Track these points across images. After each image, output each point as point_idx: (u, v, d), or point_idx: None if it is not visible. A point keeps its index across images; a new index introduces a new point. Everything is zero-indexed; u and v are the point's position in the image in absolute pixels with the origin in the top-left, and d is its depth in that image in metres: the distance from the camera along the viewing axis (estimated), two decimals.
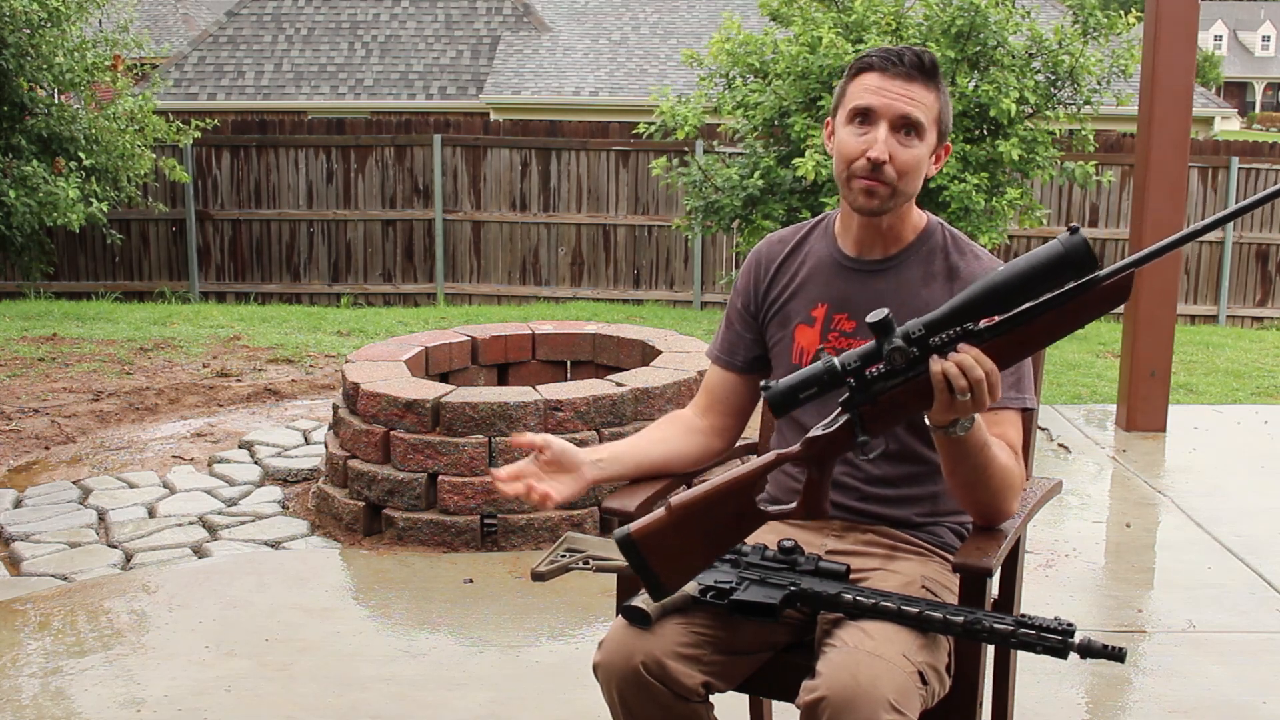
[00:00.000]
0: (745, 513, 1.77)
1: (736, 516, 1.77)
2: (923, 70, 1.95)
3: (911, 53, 1.96)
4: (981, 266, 2.02)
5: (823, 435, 1.76)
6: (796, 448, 1.79)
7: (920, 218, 2.08)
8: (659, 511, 1.77)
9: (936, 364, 1.67)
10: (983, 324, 1.69)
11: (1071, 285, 1.65)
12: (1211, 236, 12.50)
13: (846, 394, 1.73)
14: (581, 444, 4.06)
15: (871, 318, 1.67)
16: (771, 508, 1.81)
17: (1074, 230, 1.63)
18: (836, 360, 1.70)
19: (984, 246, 8.77)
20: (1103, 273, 1.65)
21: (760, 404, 1.92)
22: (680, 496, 1.77)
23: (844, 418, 1.74)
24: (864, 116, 1.96)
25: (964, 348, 1.67)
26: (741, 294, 2.20)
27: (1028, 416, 2.01)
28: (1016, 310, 1.67)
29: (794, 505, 1.81)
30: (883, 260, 2.06)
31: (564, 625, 3.41)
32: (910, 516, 2.07)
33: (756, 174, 8.43)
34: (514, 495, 1.94)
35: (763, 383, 1.77)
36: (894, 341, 1.67)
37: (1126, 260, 1.66)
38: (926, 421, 1.77)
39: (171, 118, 10.53)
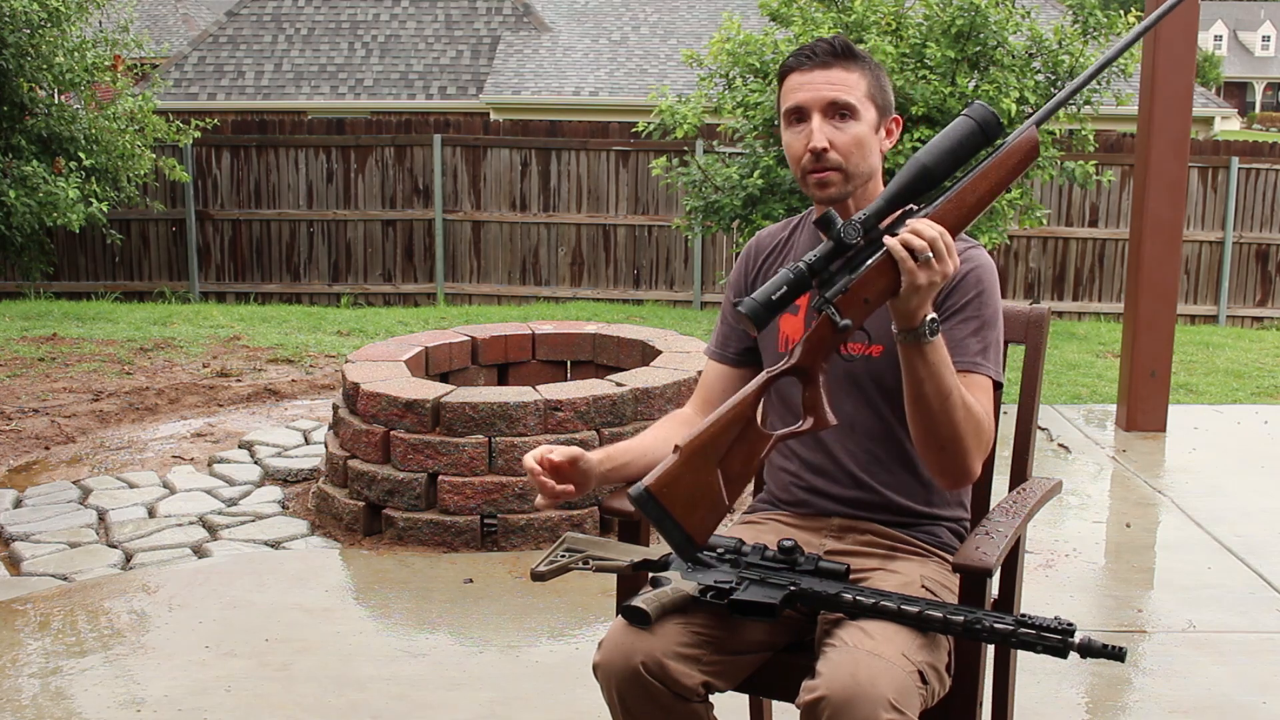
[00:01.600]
0: (752, 437, 1.76)
1: (745, 443, 1.76)
2: (837, 55, 1.99)
3: (824, 42, 2.01)
4: (958, 247, 2.02)
5: (805, 341, 1.78)
6: (785, 361, 1.80)
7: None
8: (669, 457, 1.76)
9: (891, 239, 1.73)
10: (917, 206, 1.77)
11: (987, 150, 1.76)
12: (1211, 236, 12.50)
13: (818, 297, 1.76)
14: (582, 444, 4.07)
15: (814, 217, 1.72)
16: (780, 429, 1.80)
17: (971, 103, 1.76)
18: (800, 263, 1.74)
19: (984, 246, 8.76)
20: (1012, 135, 1.77)
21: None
22: (686, 437, 1.76)
23: (820, 316, 1.77)
24: (798, 115, 2.01)
25: (910, 221, 1.73)
26: (733, 287, 2.23)
27: (996, 390, 2.00)
28: (947, 184, 1.77)
29: (803, 424, 1.80)
30: None
31: (564, 625, 3.41)
32: (909, 504, 2.06)
33: (756, 174, 8.44)
34: (543, 485, 1.95)
35: (735, 300, 1.79)
36: (842, 224, 1.73)
37: (1032, 118, 1.78)
38: (894, 329, 1.79)
39: (171, 118, 10.54)
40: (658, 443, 2.13)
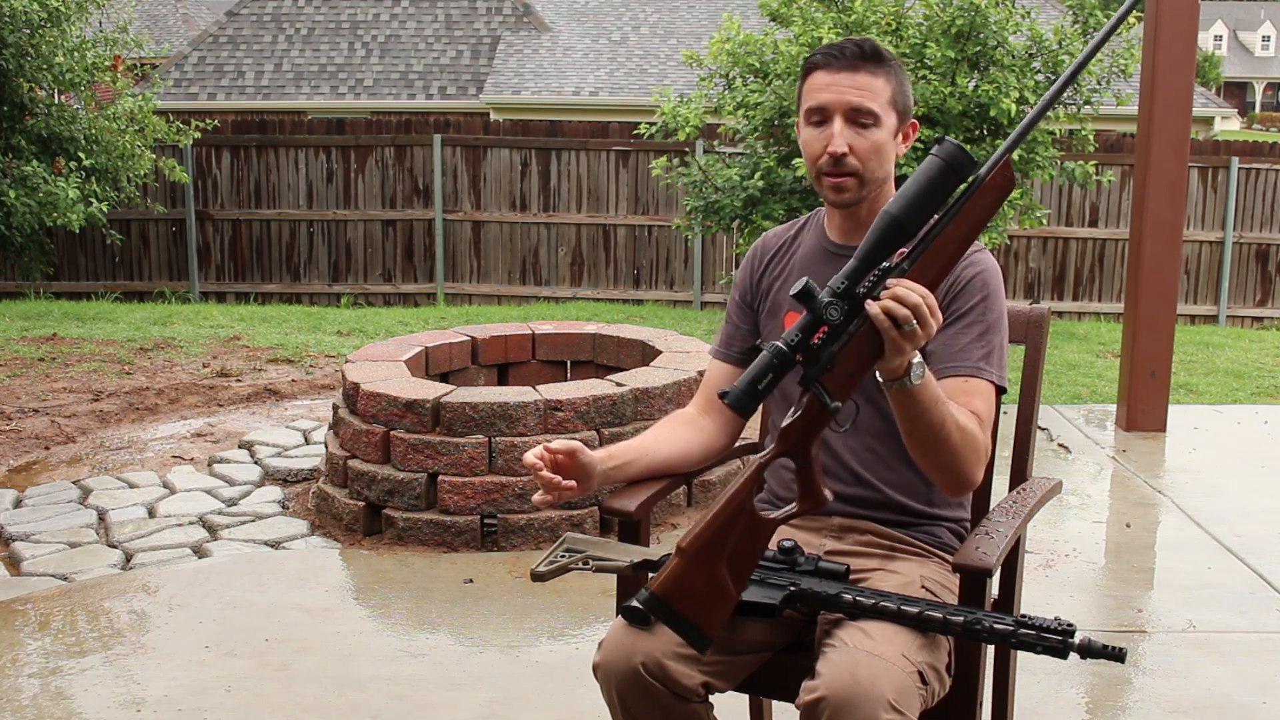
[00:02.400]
0: (754, 527, 1.75)
1: (748, 534, 1.74)
2: (865, 58, 1.99)
3: (853, 43, 2.00)
4: (971, 262, 2.04)
5: (794, 421, 1.74)
6: (773, 445, 1.77)
7: None
8: (671, 559, 1.73)
9: (873, 305, 1.67)
10: (896, 258, 1.70)
11: (961, 189, 1.69)
12: (1211, 236, 12.50)
13: (801, 372, 1.71)
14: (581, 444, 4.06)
15: (794, 289, 1.67)
16: (776, 514, 1.79)
17: (941, 140, 1.68)
18: (779, 343, 1.69)
19: (984, 246, 8.74)
20: (983, 169, 1.70)
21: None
22: (687, 535, 1.74)
23: (807, 395, 1.72)
24: (819, 115, 2.01)
25: (891, 282, 1.68)
26: (739, 286, 2.23)
27: (998, 394, 2.01)
28: (922, 233, 1.70)
29: (795, 505, 1.80)
30: None
31: (564, 625, 3.41)
32: (909, 503, 2.06)
33: (757, 174, 8.44)
34: (543, 479, 1.94)
35: (720, 391, 1.75)
36: (823, 300, 1.67)
37: (1001, 148, 1.71)
38: (879, 378, 1.75)
39: (171, 118, 10.54)
40: (659, 443, 2.13)
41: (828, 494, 1.77)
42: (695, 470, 2.31)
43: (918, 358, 1.75)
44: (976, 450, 1.89)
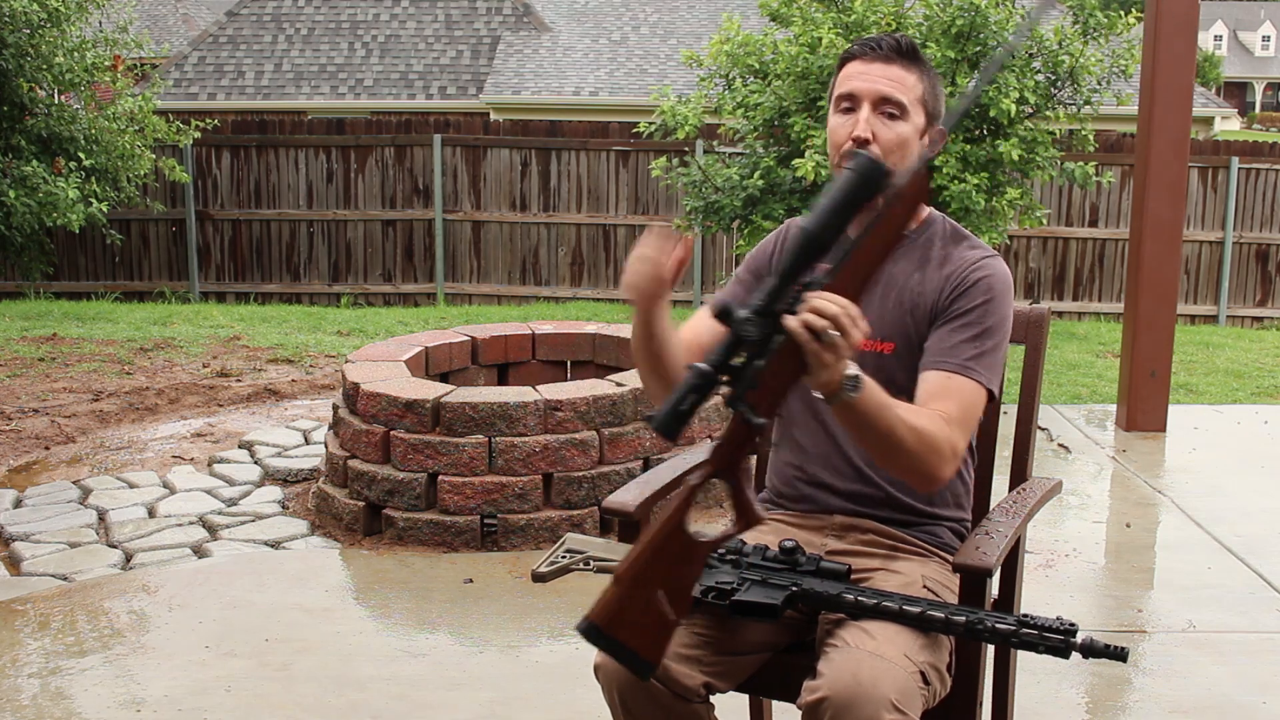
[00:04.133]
0: (688, 551, 1.71)
1: (682, 558, 1.71)
2: (900, 53, 2.00)
3: (890, 38, 2.02)
4: (975, 254, 2.03)
5: (722, 441, 1.71)
6: (704, 466, 1.72)
7: (921, 210, 2.09)
8: (608, 588, 1.71)
9: (791, 320, 1.63)
10: (818, 273, 1.67)
11: (879, 200, 1.67)
12: (1211, 236, 12.50)
13: (728, 391, 1.67)
14: (581, 444, 4.08)
15: (714, 308, 1.64)
16: (710, 537, 1.74)
17: (855, 155, 1.68)
18: (700, 363, 1.65)
19: (996, 253, 8.71)
20: (900, 179, 1.69)
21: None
22: (621, 564, 1.72)
23: (734, 415, 1.68)
24: (849, 102, 2.01)
25: (809, 295, 1.64)
26: (755, 259, 2.20)
27: (986, 397, 1.96)
28: (844, 247, 1.67)
29: (732, 529, 1.74)
30: None
31: (564, 625, 3.41)
32: (910, 501, 2.06)
33: (756, 174, 8.43)
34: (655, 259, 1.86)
35: (645, 415, 1.74)
36: (740, 317, 1.63)
37: (921, 157, 1.75)
38: (817, 395, 1.72)
39: (171, 118, 10.54)
40: (678, 348, 2.00)
41: (761, 513, 1.73)
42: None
43: (853, 369, 1.69)
44: (937, 451, 1.83)
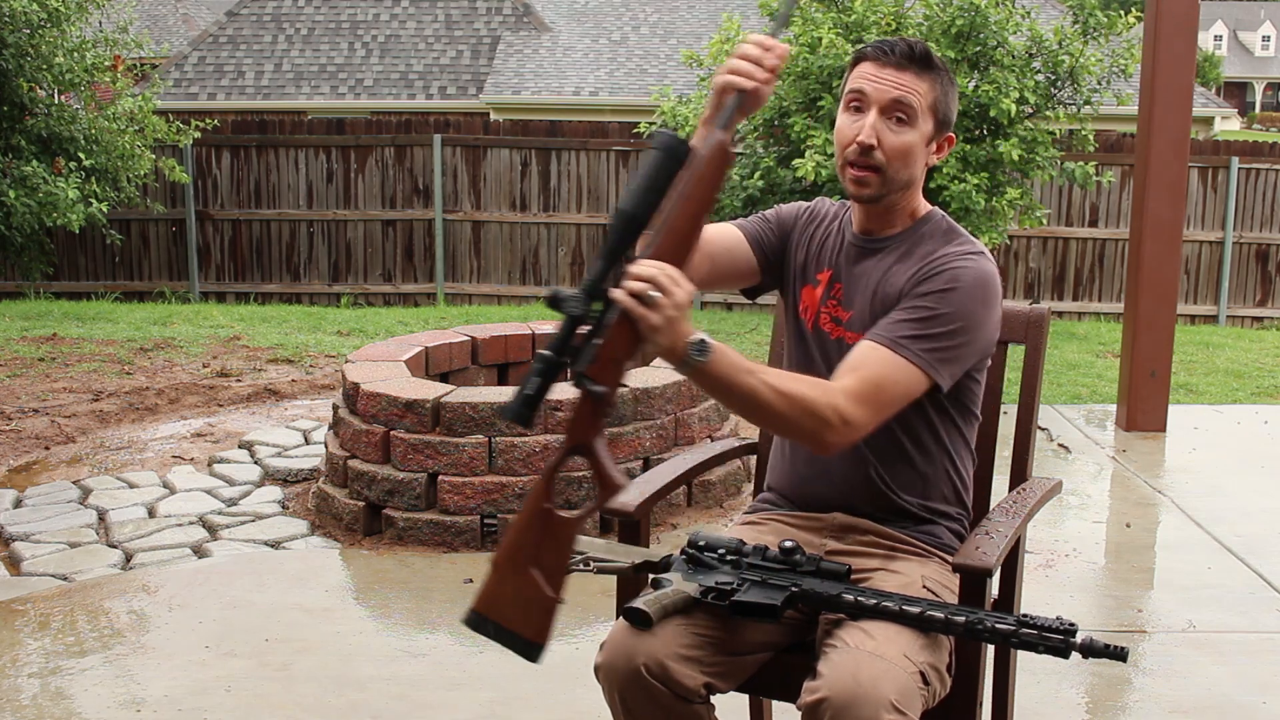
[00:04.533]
0: (555, 527, 1.74)
1: (550, 535, 1.74)
2: (914, 59, 1.98)
3: (905, 43, 2.00)
4: (956, 250, 2.00)
5: (573, 417, 1.75)
6: (564, 443, 1.77)
7: (922, 207, 2.09)
8: (487, 572, 1.75)
9: (617, 292, 1.68)
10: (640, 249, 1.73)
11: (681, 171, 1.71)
12: (1211, 236, 12.51)
13: (572, 370, 1.73)
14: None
15: (544, 297, 1.71)
16: (574, 513, 1.76)
17: (657, 133, 1.72)
18: (543, 350, 1.71)
19: (984, 250, 8.74)
20: (701, 148, 1.73)
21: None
22: (497, 549, 1.76)
23: (578, 390, 1.73)
24: (858, 103, 2.01)
25: (630, 267, 1.69)
26: (783, 211, 2.21)
27: (919, 378, 1.91)
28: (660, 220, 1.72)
29: (594, 503, 1.79)
30: (877, 240, 2.08)
31: (564, 625, 3.40)
32: (909, 500, 2.06)
33: (756, 174, 8.44)
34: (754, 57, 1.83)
35: (498, 407, 1.78)
36: (567, 297, 1.70)
37: (717, 129, 1.75)
38: (663, 362, 1.76)
39: (171, 118, 10.54)
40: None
41: (621, 479, 1.75)
42: (696, 470, 2.32)
43: (696, 336, 1.73)
44: (814, 415, 1.82)
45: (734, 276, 2.18)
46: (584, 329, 1.71)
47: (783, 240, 2.18)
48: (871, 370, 1.90)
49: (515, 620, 1.71)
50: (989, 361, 2.10)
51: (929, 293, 1.95)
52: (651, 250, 1.72)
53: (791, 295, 2.17)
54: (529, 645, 1.72)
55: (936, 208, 2.11)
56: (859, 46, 2.08)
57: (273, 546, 4.05)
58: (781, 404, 1.81)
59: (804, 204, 2.23)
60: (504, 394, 4.11)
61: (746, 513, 2.24)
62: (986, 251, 2.04)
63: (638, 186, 1.69)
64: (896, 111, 1.97)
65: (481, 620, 1.72)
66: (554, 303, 1.70)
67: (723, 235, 2.16)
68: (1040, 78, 8.51)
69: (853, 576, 1.92)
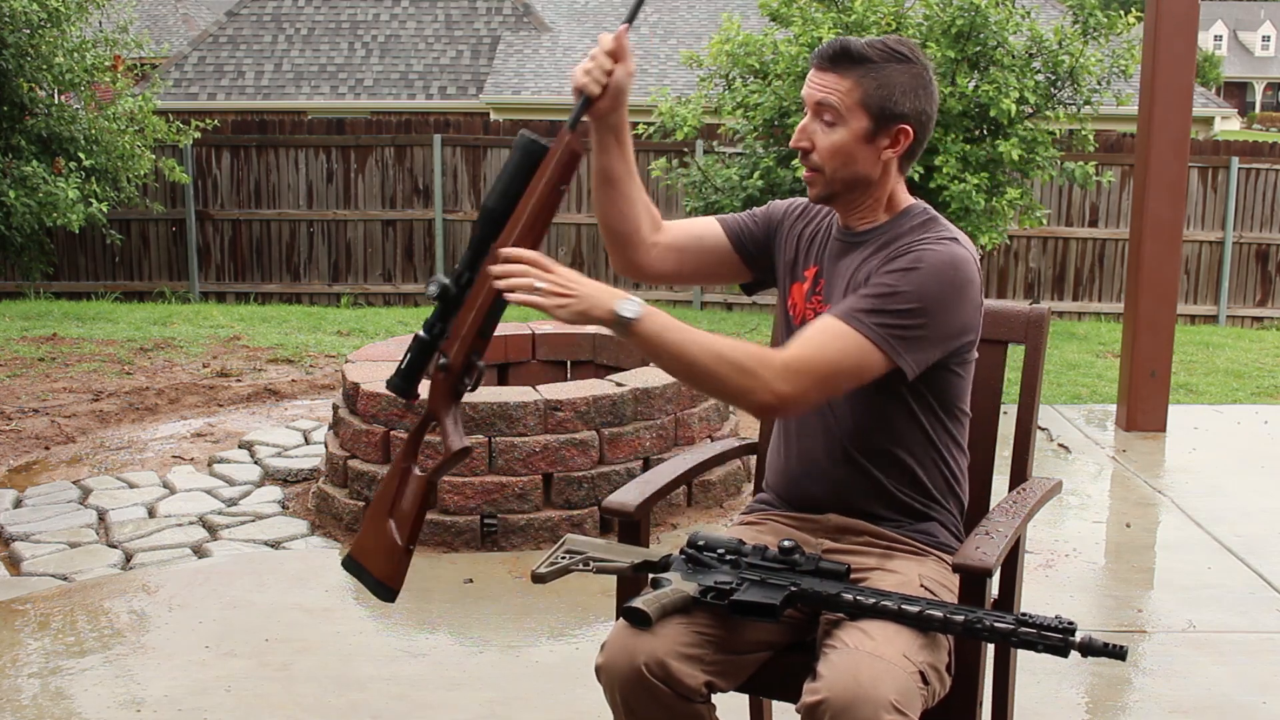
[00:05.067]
0: (411, 483, 1.90)
1: (406, 487, 1.90)
2: (834, 59, 1.98)
3: (832, 44, 2.01)
4: (927, 236, 1.98)
5: (430, 389, 1.91)
6: (421, 413, 1.92)
7: (903, 201, 2.08)
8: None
9: (498, 282, 1.84)
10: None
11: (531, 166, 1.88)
12: (1211, 236, 12.51)
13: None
14: (581, 444, 4.08)
15: (431, 285, 1.89)
16: (429, 469, 1.90)
17: (518, 135, 1.89)
18: (418, 331, 1.90)
19: (984, 246, 8.81)
20: (553, 145, 1.88)
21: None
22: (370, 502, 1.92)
23: (436, 361, 1.90)
24: (805, 107, 2.06)
25: (498, 251, 1.86)
26: (772, 208, 2.22)
27: (871, 350, 1.89)
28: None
29: (441, 460, 1.89)
30: (857, 235, 2.08)
31: (564, 625, 3.41)
32: (907, 498, 2.06)
33: (756, 174, 8.44)
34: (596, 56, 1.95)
35: (386, 380, 1.94)
36: (438, 284, 1.89)
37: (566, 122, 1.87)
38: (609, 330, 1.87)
39: (171, 118, 10.54)
40: (639, 190, 2.13)
41: (462, 441, 1.88)
42: (696, 470, 2.32)
43: (624, 300, 1.82)
44: (747, 370, 1.85)
45: (709, 269, 2.22)
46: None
47: (768, 236, 2.19)
48: (817, 340, 1.90)
49: (374, 564, 1.90)
50: (973, 354, 2.05)
51: (891, 271, 1.95)
52: (501, 241, 1.87)
53: (782, 291, 2.18)
54: (380, 585, 1.91)
55: (920, 201, 2.10)
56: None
57: (273, 546, 4.05)
58: (711, 361, 1.85)
59: (799, 200, 2.23)
60: (504, 394, 4.12)
61: (744, 513, 2.24)
62: (962, 238, 2.00)
63: (498, 184, 1.88)
64: (823, 113, 1.99)
65: (351, 562, 1.92)
66: (440, 294, 1.88)
67: (692, 227, 2.20)
68: (1040, 78, 8.51)
69: (850, 576, 1.92)
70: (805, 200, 2.19)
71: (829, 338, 1.90)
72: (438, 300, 1.88)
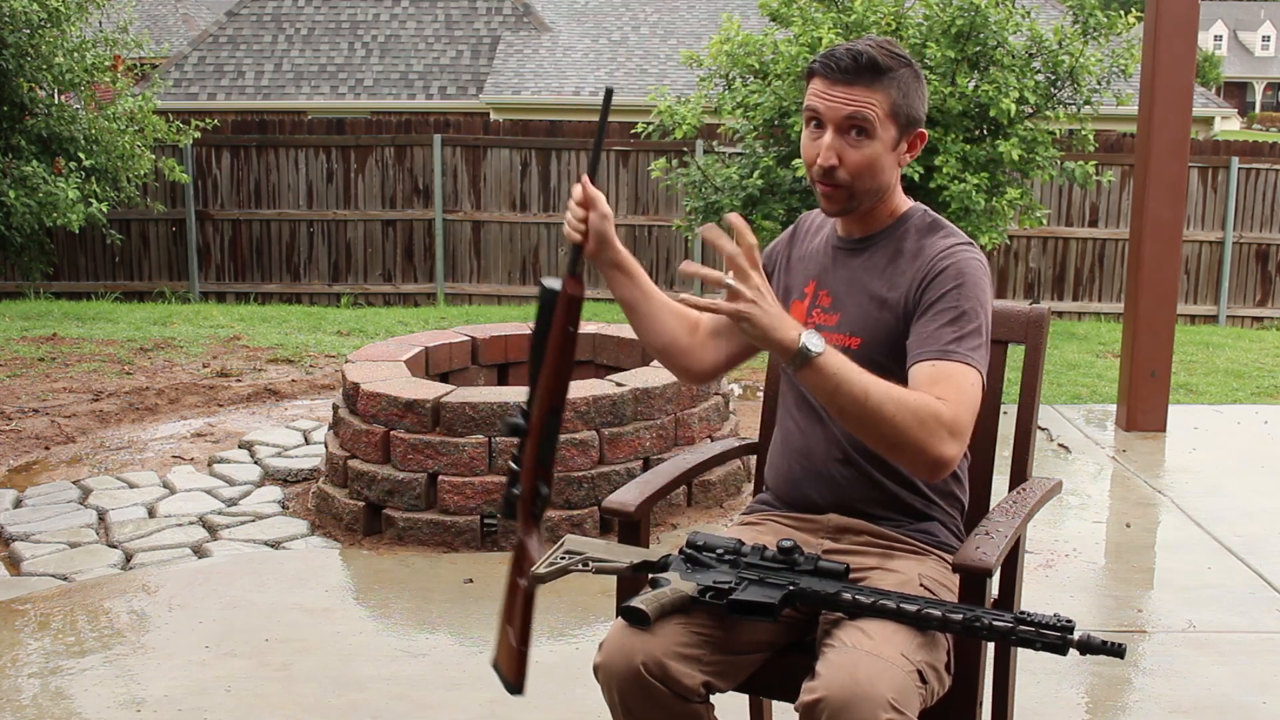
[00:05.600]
0: (515, 596, 2.02)
1: (513, 601, 2.02)
2: (860, 71, 1.94)
3: (851, 55, 1.95)
4: (945, 243, 2.01)
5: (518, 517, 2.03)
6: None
7: (902, 204, 2.09)
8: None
9: (539, 409, 2.00)
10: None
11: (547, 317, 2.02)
12: (1211, 236, 12.51)
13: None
14: (581, 444, 4.07)
15: (504, 426, 2.00)
16: (523, 583, 2.00)
17: (540, 285, 2.02)
18: (513, 419, 2.02)
19: (984, 246, 8.82)
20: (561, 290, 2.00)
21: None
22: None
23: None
24: (815, 121, 2.00)
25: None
26: (768, 254, 2.22)
27: (977, 376, 1.92)
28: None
29: (525, 579, 1.99)
30: (860, 240, 2.09)
31: (564, 625, 3.41)
32: (909, 499, 2.06)
33: (756, 174, 8.44)
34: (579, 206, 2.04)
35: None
36: (512, 420, 2.03)
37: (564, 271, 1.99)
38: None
39: (171, 118, 10.54)
40: (666, 306, 2.19)
41: (535, 555, 1.99)
42: (696, 470, 2.32)
43: (810, 334, 1.77)
44: (925, 423, 1.81)
45: (749, 345, 2.18)
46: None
47: (772, 277, 2.20)
48: (951, 381, 1.89)
49: (503, 665, 2.05)
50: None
51: (944, 294, 1.95)
52: (541, 378, 2.01)
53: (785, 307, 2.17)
54: (507, 682, 2.04)
55: (918, 203, 2.11)
56: (809, 60, 2.09)
57: (273, 546, 4.05)
58: (893, 411, 1.81)
59: (783, 234, 2.24)
60: (504, 394, 4.12)
61: (744, 513, 2.24)
62: (972, 242, 2.05)
63: (532, 332, 2.03)
64: (853, 127, 1.96)
65: (494, 667, 2.08)
66: (511, 430, 2.01)
67: (716, 321, 2.20)
68: (1040, 78, 8.50)
69: (850, 576, 1.92)
70: (793, 226, 2.23)
71: (957, 381, 1.89)
72: (514, 435, 2.01)
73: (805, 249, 2.18)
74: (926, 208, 2.10)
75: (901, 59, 1.99)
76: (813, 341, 1.76)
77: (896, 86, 1.97)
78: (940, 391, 1.87)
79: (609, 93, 1.95)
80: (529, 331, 2.06)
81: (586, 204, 2.03)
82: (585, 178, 2.03)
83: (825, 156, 1.97)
